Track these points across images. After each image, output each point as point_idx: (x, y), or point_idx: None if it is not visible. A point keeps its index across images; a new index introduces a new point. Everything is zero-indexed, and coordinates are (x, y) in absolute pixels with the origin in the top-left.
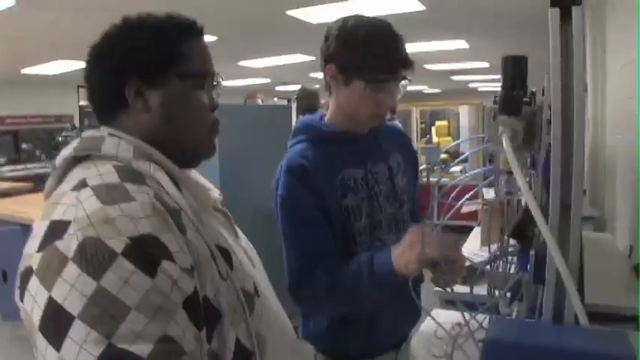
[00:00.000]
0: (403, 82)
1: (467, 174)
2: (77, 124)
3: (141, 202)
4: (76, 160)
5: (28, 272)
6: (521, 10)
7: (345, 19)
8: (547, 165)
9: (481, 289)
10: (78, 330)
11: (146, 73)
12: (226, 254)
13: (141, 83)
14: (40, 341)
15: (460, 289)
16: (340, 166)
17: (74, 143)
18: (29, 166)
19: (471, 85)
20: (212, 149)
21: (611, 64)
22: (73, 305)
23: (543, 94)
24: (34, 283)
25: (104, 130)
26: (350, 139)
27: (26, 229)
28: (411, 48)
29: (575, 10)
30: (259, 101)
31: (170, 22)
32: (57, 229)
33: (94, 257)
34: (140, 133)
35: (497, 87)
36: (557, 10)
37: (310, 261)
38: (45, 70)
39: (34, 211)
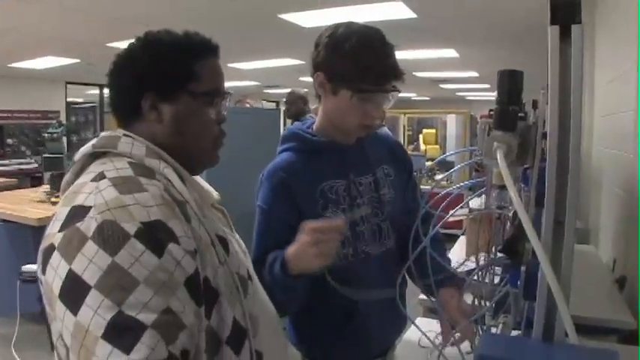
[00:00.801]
0: (392, 92)
1: (457, 185)
2: (64, 120)
3: (152, 193)
4: (93, 157)
5: (50, 249)
6: (513, 22)
7: (336, 27)
8: (541, 180)
9: (465, 298)
10: (93, 297)
11: (161, 89)
12: (224, 242)
13: (155, 97)
14: (59, 307)
15: None
16: (322, 177)
17: (93, 141)
18: (14, 161)
19: (459, 94)
20: (216, 158)
21: (598, 79)
22: (91, 276)
23: (533, 107)
24: (55, 257)
25: (120, 132)
26: (336, 150)
27: (7, 225)
28: (401, 55)
29: (574, 29)
30: (247, 106)
31: (186, 41)
32: (78, 213)
33: (110, 237)
34: (152, 139)
35: (485, 96)
36: (556, 28)
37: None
38: (33, 65)
39: (16, 207)
